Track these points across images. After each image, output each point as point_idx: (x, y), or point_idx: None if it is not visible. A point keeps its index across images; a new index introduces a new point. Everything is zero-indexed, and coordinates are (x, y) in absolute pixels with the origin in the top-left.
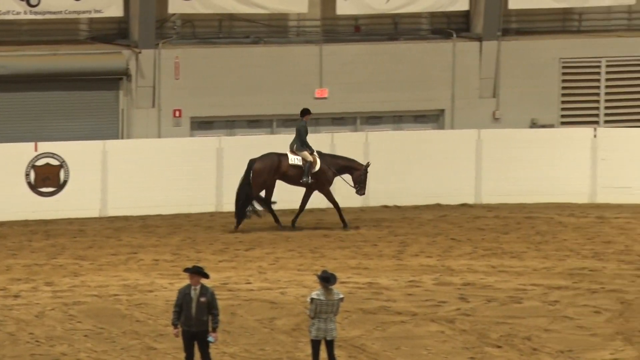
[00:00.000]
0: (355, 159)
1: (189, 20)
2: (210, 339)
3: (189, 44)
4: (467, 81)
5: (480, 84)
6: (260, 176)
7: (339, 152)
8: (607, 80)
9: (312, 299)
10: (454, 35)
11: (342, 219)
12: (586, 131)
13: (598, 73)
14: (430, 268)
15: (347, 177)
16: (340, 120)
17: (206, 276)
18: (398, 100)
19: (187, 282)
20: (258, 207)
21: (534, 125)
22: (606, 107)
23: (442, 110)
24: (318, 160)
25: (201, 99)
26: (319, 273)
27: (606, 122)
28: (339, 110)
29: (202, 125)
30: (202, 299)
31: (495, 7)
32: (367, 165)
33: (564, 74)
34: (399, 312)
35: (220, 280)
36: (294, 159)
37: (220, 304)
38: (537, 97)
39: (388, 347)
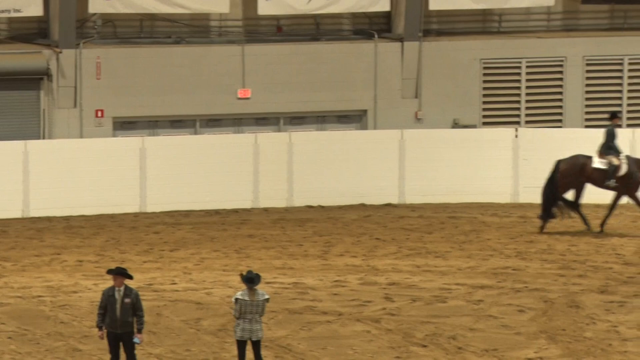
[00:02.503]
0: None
1: (109, 20)
2: (135, 340)
3: (110, 44)
4: (389, 82)
5: (402, 85)
6: (565, 177)
7: (261, 152)
8: (527, 80)
9: (236, 300)
10: (376, 35)
11: None
12: (507, 131)
13: (518, 74)
14: (355, 268)
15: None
16: (263, 121)
17: (130, 277)
18: (321, 101)
19: (111, 283)
20: (564, 206)
21: (456, 125)
22: (527, 108)
23: (365, 111)
24: (624, 165)
25: (123, 99)
26: (243, 273)
27: (527, 122)
28: (262, 110)
29: (125, 125)
30: (127, 300)
31: (416, 8)
32: None
33: (484, 74)
34: (325, 312)
35: (145, 281)
36: (598, 162)
37: (145, 304)
38: (459, 97)
39: (314, 347)
